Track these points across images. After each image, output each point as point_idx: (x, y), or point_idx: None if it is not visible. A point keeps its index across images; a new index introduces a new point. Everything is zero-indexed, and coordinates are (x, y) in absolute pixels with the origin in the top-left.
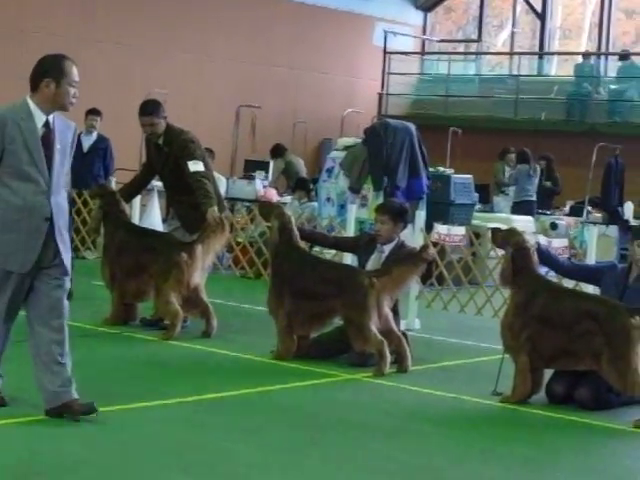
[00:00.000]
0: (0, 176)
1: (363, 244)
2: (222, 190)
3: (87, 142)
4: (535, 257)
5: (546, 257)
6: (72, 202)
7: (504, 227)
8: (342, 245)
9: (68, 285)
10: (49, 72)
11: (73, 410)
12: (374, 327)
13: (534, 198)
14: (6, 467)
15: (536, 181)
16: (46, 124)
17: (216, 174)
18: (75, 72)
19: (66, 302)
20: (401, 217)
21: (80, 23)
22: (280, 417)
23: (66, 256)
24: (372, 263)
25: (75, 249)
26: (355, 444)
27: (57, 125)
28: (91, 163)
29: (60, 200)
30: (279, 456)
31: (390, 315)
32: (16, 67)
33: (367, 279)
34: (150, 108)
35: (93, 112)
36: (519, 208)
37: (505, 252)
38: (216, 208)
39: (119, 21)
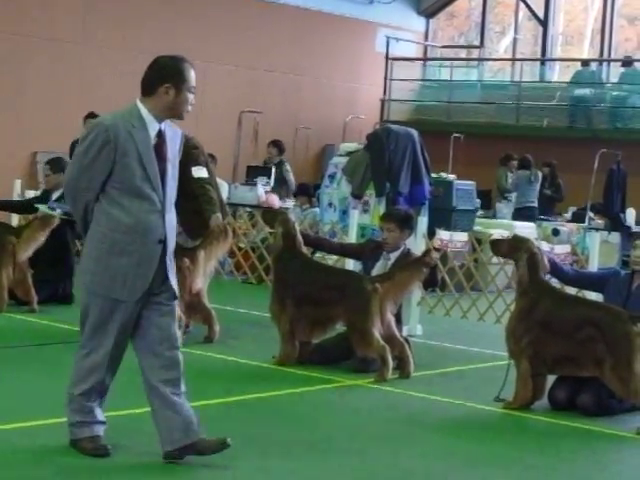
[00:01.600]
0: (108, 192)
1: (369, 251)
2: (224, 195)
3: None
4: (544, 262)
5: (551, 265)
6: None
7: (502, 236)
8: (348, 251)
9: (177, 311)
10: (169, 77)
11: (200, 450)
12: (377, 333)
13: (535, 204)
14: (3, 470)
15: (537, 187)
16: (159, 133)
17: (219, 180)
18: (194, 77)
19: (177, 331)
20: (407, 224)
21: (82, 28)
22: (282, 423)
23: (174, 280)
24: (378, 270)
25: (77, 253)
26: (357, 450)
27: (167, 133)
28: None
29: (172, 218)
30: (281, 462)
31: (393, 321)
32: (15, 71)
33: (370, 285)
34: None
35: (91, 116)
36: (520, 214)
37: (517, 259)
38: (220, 215)
39: (121, 27)
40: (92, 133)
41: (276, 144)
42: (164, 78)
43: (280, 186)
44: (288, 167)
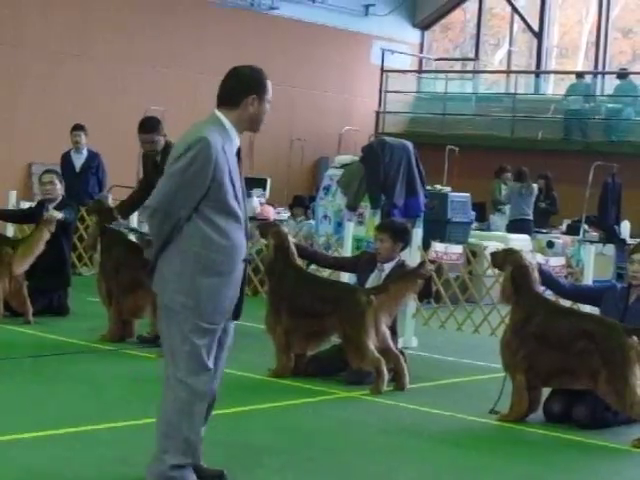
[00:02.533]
0: (202, 210)
1: (363, 263)
2: None
3: (78, 161)
4: (535, 275)
5: (547, 279)
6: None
7: (497, 249)
8: (342, 264)
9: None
10: (254, 88)
11: (198, 475)
12: (372, 345)
13: (530, 217)
14: None
15: (531, 200)
16: (239, 148)
17: None
18: (271, 87)
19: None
20: (401, 236)
21: (75, 39)
22: (277, 435)
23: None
24: (372, 282)
25: (72, 265)
26: (352, 462)
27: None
28: (85, 181)
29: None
30: (274, 474)
31: (388, 333)
32: (12, 83)
33: (365, 297)
34: (150, 125)
35: (77, 128)
36: (514, 227)
37: (505, 271)
38: None
39: (114, 37)
40: (194, 149)
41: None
42: (250, 89)
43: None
44: None
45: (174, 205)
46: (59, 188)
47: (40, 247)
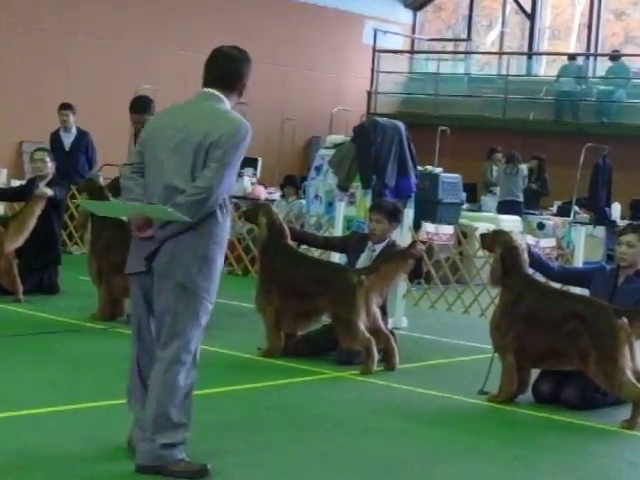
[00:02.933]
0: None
1: (353, 243)
2: None
3: (67, 140)
4: (524, 257)
5: (536, 261)
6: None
7: (488, 230)
8: (332, 245)
9: None
10: (247, 71)
11: None
12: (362, 325)
13: (519, 199)
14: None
15: (520, 181)
16: None
17: None
18: None
19: None
20: (395, 216)
21: (65, 17)
22: (266, 414)
23: None
24: (362, 262)
25: (62, 244)
26: (341, 442)
27: None
28: (75, 160)
29: None
30: (264, 453)
31: (378, 313)
32: (4, 62)
33: (355, 277)
34: (142, 105)
35: (65, 107)
36: (503, 208)
37: (494, 252)
38: None
39: (104, 15)
40: (244, 134)
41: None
42: (247, 74)
43: None
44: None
45: (223, 191)
46: (50, 166)
47: (32, 223)
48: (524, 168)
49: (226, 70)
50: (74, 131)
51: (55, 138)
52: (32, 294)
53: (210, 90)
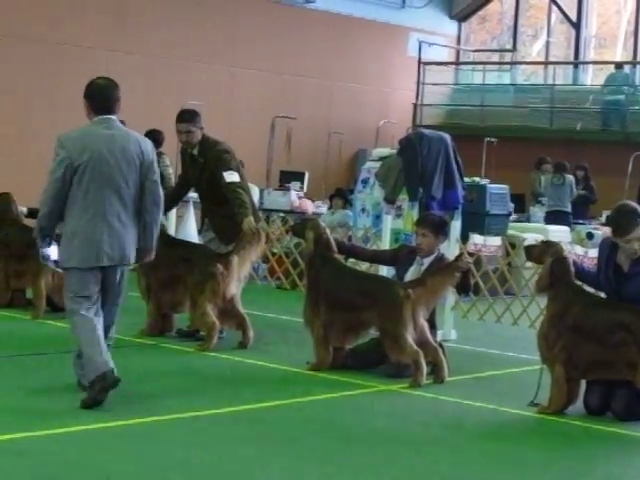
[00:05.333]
0: None
1: (402, 256)
2: (255, 199)
3: None
4: (572, 268)
5: (581, 273)
6: None
7: (536, 241)
8: (381, 258)
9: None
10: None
11: None
12: (410, 338)
13: (567, 209)
14: (43, 477)
15: (566, 191)
16: None
17: (249, 184)
18: None
19: None
20: (442, 230)
21: (111, 35)
22: (316, 428)
23: None
24: (411, 275)
25: None
26: (390, 456)
27: None
28: None
29: None
30: (314, 468)
31: (426, 326)
32: (48, 78)
33: (402, 290)
34: (187, 116)
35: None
36: (551, 218)
37: (542, 263)
38: (252, 218)
39: (150, 32)
40: None
41: (150, 135)
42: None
43: None
44: (167, 160)
45: None
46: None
47: None
48: (571, 178)
49: (117, 97)
50: None
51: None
52: None
53: (114, 117)
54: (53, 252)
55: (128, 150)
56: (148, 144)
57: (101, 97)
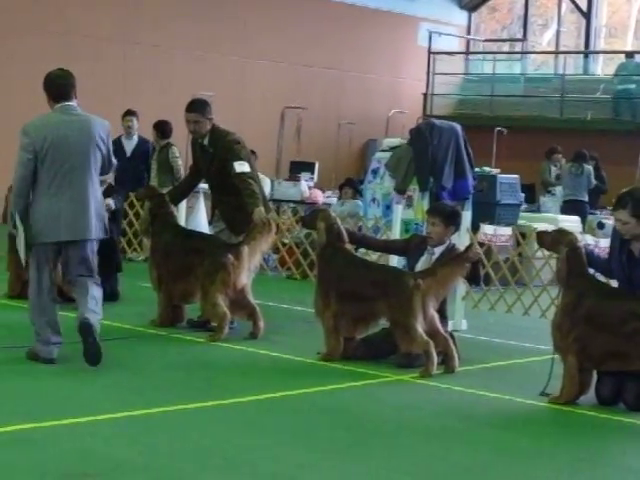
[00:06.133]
0: None
1: (413, 246)
2: (266, 191)
3: (129, 146)
4: (585, 258)
5: (595, 261)
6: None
7: (549, 229)
8: (393, 248)
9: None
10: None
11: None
12: (420, 328)
13: (583, 198)
14: (52, 467)
15: (584, 181)
16: None
17: (261, 175)
18: None
19: None
20: (453, 220)
21: (123, 25)
22: (327, 418)
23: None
24: (421, 265)
25: (122, 251)
26: (402, 445)
27: None
28: (135, 166)
29: None
30: (325, 457)
31: (436, 317)
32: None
33: (412, 280)
34: (196, 105)
35: (129, 113)
36: (568, 207)
37: (559, 252)
38: (262, 209)
39: (162, 23)
40: None
41: (158, 126)
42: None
43: (164, 172)
44: (176, 152)
45: None
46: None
47: None
48: (590, 168)
49: (72, 85)
50: (136, 138)
51: (117, 144)
52: None
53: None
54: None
55: (86, 131)
56: (105, 125)
57: (56, 86)
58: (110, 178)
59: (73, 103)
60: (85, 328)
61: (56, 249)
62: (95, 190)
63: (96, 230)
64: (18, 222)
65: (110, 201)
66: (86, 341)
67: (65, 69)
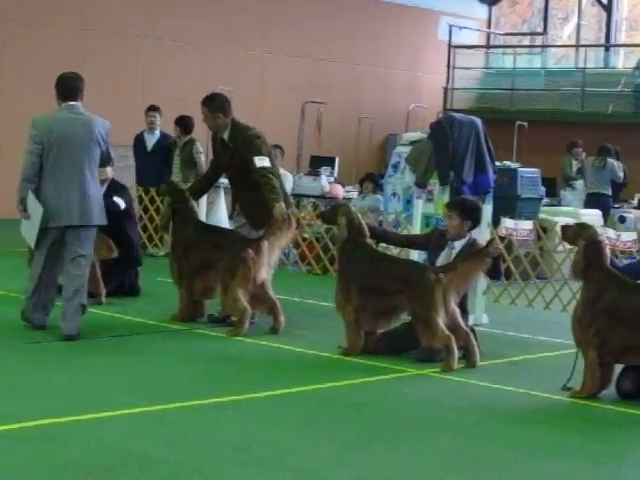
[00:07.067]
0: None
1: (434, 240)
2: (288, 187)
3: (150, 141)
4: (607, 251)
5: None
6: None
7: (570, 223)
8: (414, 243)
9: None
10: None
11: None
12: (441, 322)
13: (606, 191)
14: (74, 461)
15: (607, 174)
16: None
17: (283, 171)
18: None
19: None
20: (469, 214)
21: (140, 21)
22: (348, 413)
23: None
24: (442, 259)
25: (143, 246)
26: (423, 439)
27: None
28: (156, 161)
29: None
30: (347, 451)
31: (457, 311)
32: (78, 64)
33: (433, 275)
34: (205, 100)
35: (152, 109)
36: (591, 200)
37: (577, 246)
38: (283, 204)
39: (180, 18)
40: None
41: (180, 122)
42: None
43: (187, 168)
44: (199, 147)
45: None
46: (109, 171)
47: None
48: (613, 162)
49: (81, 86)
50: (158, 133)
51: (139, 140)
52: (114, 297)
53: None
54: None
55: (88, 129)
56: (105, 124)
57: (66, 87)
58: (111, 174)
59: (78, 103)
60: (69, 339)
61: (60, 234)
62: (94, 181)
63: (97, 217)
64: (35, 202)
65: (119, 200)
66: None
67: (76, 72)
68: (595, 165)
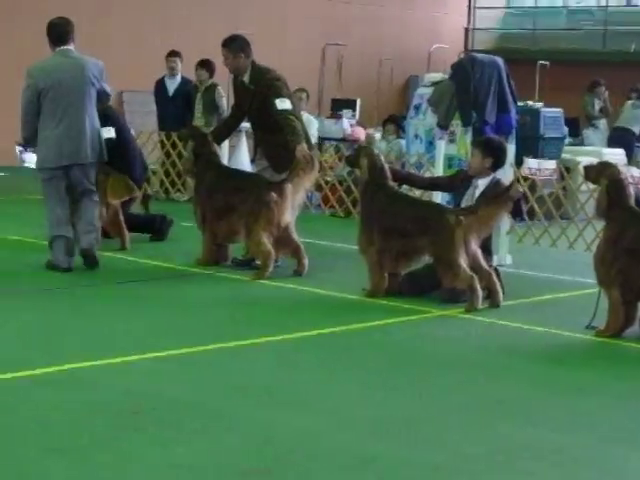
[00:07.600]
0: None
1: (459, 181)
2: (314, 131)
3: (172, 86)
4: (629, 190)
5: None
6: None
7: (593, 162)
8: (438, 184)
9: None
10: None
11: None
12: (463, 263)
13: (633, 128)
14: (102, 404)
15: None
16: None
17: (307, 115)
18: None
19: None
20: (490, 151)
21: None
22: (373, 354)
23: None
24: (467, 199)
25: (165, 191)
26: (448, 379)
27: None
28: (176, 106)
29: None
30: (373, 391)
31: (478, 252)
32: (102, 17)
33: (454, 217)
34: (225, 42)
35: (173, 54)
36: (615, 136)
37: (600, 185)
38: (305, 145)
39: None
40: None
41: (204, 64)
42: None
43: (210, 112)
44: (221, 91)
45: None
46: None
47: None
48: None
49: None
50: (179, 78)
51: (160, 85)
52: (138, 242)
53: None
54: (31, 158)
55: (80, 71)
56: (98, 64)
57: (56, 33)
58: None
59: (70, 47)
60: (86, 255)
61: (62, 174)
62: (92, 119)
63: (93, 154)
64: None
65: (108, 130)
66: (87, 263)
67: (64, 17)
68: (636, 106)
